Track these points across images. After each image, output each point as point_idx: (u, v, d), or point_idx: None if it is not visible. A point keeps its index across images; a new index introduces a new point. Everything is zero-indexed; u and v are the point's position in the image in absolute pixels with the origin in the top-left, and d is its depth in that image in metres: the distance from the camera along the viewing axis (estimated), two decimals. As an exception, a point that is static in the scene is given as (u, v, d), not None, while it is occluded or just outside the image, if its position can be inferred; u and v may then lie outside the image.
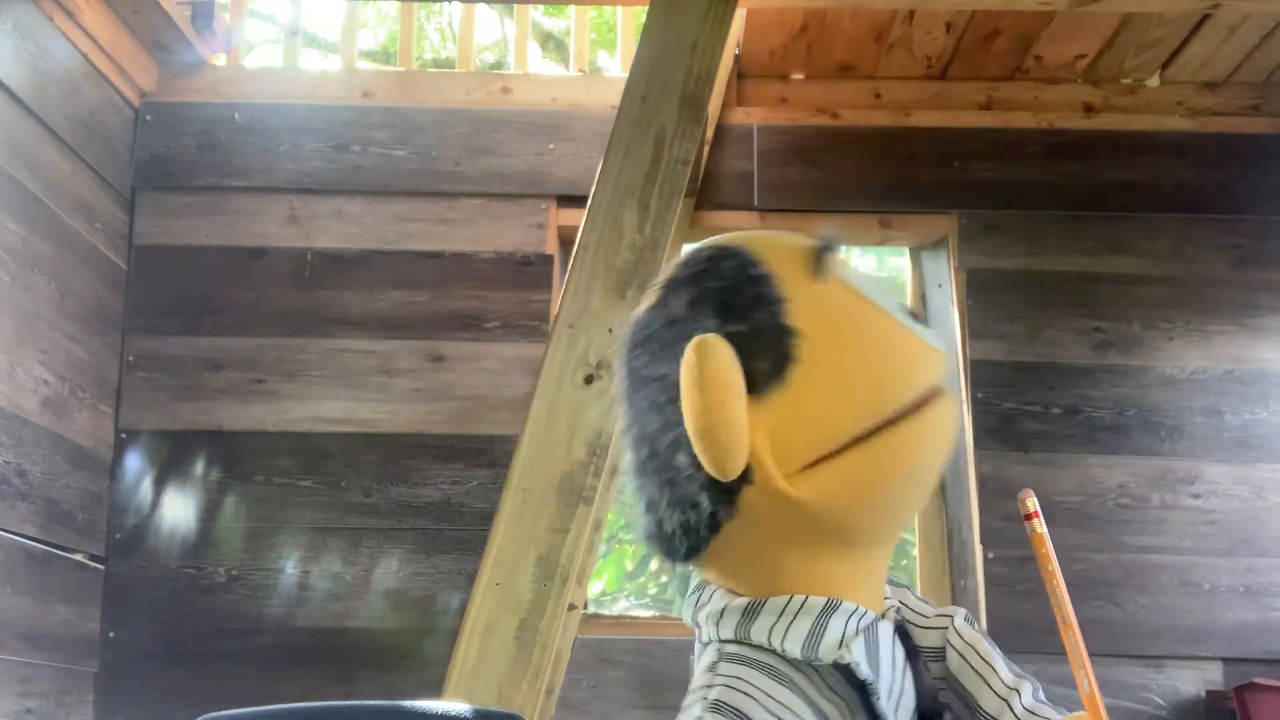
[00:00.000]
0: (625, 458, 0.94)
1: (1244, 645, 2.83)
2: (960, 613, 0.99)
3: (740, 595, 0.90)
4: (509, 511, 2.04)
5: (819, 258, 0.89)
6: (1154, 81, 3.12)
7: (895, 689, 0.89)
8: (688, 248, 0.95)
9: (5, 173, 2.44)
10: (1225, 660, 2.83)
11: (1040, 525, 0.92)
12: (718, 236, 0.95)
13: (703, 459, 0.83)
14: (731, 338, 0.84)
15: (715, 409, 0.82)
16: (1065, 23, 2.86)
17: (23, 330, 2.47)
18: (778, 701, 0.85)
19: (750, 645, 0.88)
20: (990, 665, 0.94)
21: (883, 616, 0.91)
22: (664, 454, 0.87)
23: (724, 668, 0.88)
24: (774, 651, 0.87)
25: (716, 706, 0.85)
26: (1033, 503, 0.91)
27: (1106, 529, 2.88)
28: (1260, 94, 3.12)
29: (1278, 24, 2.83)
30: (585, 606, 2.43)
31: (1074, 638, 0.88)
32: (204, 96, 3.05)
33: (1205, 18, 2.81)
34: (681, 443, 0.85)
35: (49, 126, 2.58)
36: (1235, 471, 2.92)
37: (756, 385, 0.84)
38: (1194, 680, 2.82)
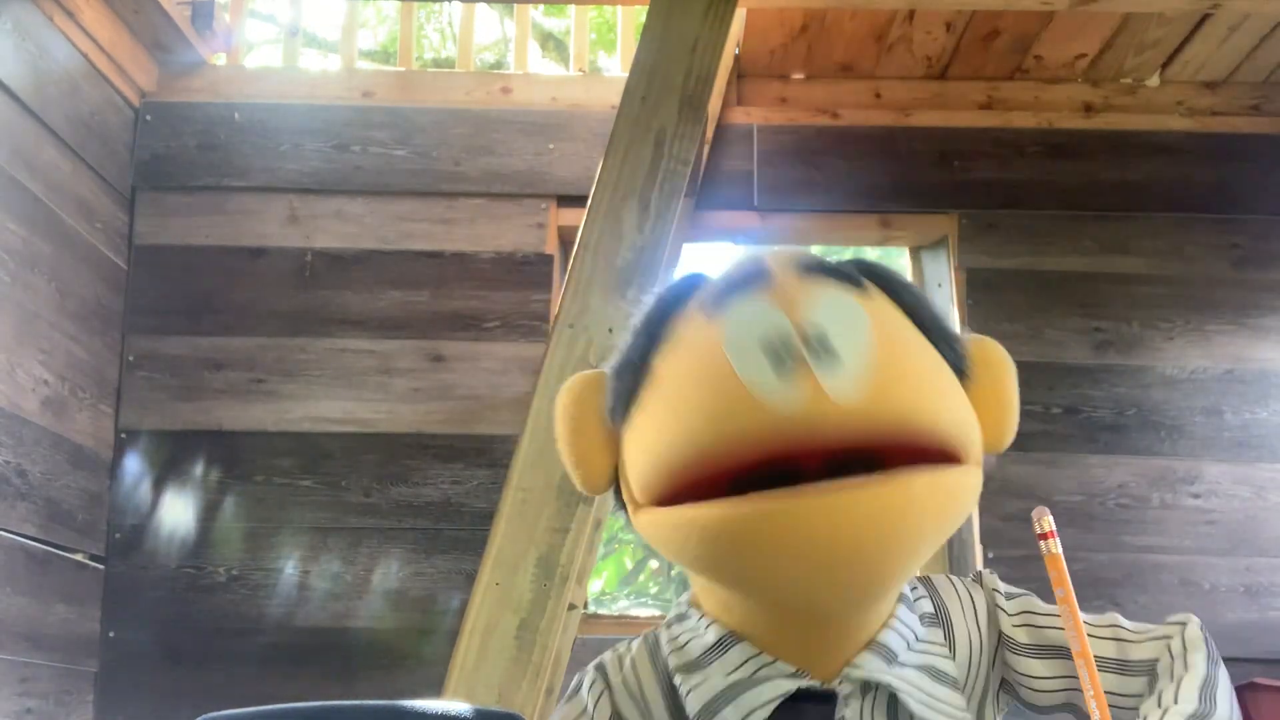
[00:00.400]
0: None
1: (1244, 645, 2.83)
2: (1195, 621, 0.97)
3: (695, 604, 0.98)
4: (509, 511, 2.04)
5: (721, 295, 0.86)
6: (1154, 81, 3.11)
7: None
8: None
9: (5, 173, 2.43)
10: (1225, 660, 2.82)
11: (1055, 546, 0.88)
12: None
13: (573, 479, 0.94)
14: (615, 367, 0.92)
15: (560, 439, 0.93)
16: (1065, 23, 2.86)
17: (23, 330, 2.47)
18: (638, 680, 0.95)
19: (664, 640, 0.97)
20: (1186, 674, 0.91)
21: (836, 684, 0.88)
22: None
23: (636, 642, 1.00)
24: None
25: (598, 663, 0.99)
26: (1048, 522, 0.88)
27: (1106, 529, 2.88)
28: (1260, 94, 3.12)
29: (1278, 24, 2.83)
30: (585, 606, 2.42)
31: (1088, 666, 0.85)
32: (204, 96, 3.05)
33: (1205, 18, 2.81)
34: None
35: (49, 126, 2.58)
36: (1235, 471, 2.91)
37: (613, 414, 0.91)
38: (1194, 680, 2.82)
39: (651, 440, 0.85)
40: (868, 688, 0.89)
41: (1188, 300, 3.00)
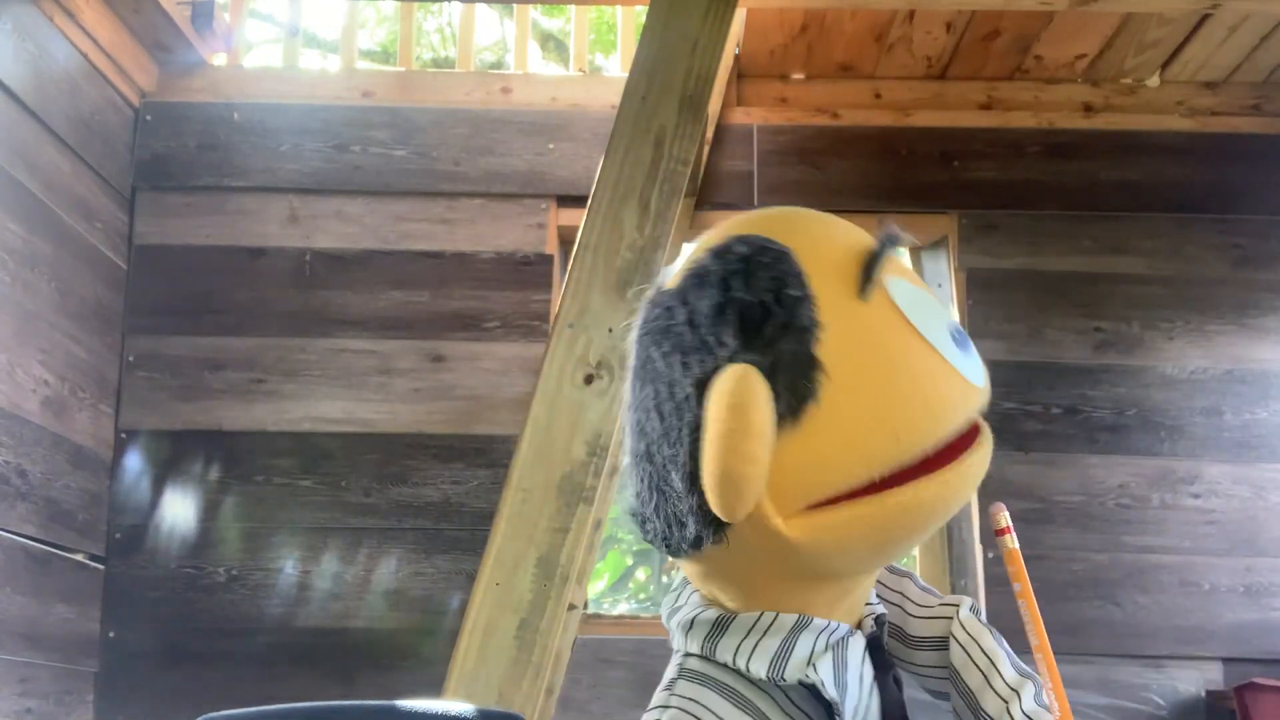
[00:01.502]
0: (624, 435, 0.89)
1: (1244, 645, 2.83)
2: (966, 602, 0.96)
3: (713, 606, 0.88)
4: (509, 511, 2.04)
5: (869, 270, 0.81)
6: (1154, 81, 3.11)
7: (861, 708, 0.86)
8: (725, 225, 0.87)
9: (5, 173, 2.43)
10: (1225, 660, 2.83)
11: (1013, 541, 0.89)
12: (762, 215, 0.88)
13: (711, 498, 0.78)
14: (775, 360, 0.78)
15: (745, 460, 0.76)
16: (1065, 23, 2.86)
17: (23, 330, 2.47)
18: (719, 717, 0.84)
19: (714, 663, 0.86)
20: (993, 662, 0.91)
21: (859, 627, 0.89)
22: (660, 463, 0.83)
23: (681, 686, 0.87)
24: (737, 671, 0.85)
25: None
26: (1004, 518, 0.89)
27: (1106, 529, 2.88)
28: (1260, 94, 3.12)
29: (1278, 24, 2.83)
30: (585, 606, 2.43)
31: (1046, 659, 0.85)
32: (204, 96, 3.05)
33: (1205, 18, 2.81)
34: (680, 462, 0.80)
35: (49, 126, 2.58)
36: (1235, 471, 2.91)
37: (787, 416, 0.78)
38: (1194, 680, 2.82)
39: (862, 437, 0.79)
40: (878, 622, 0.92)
41: (1188, 300, 3.00)
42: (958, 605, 0.95)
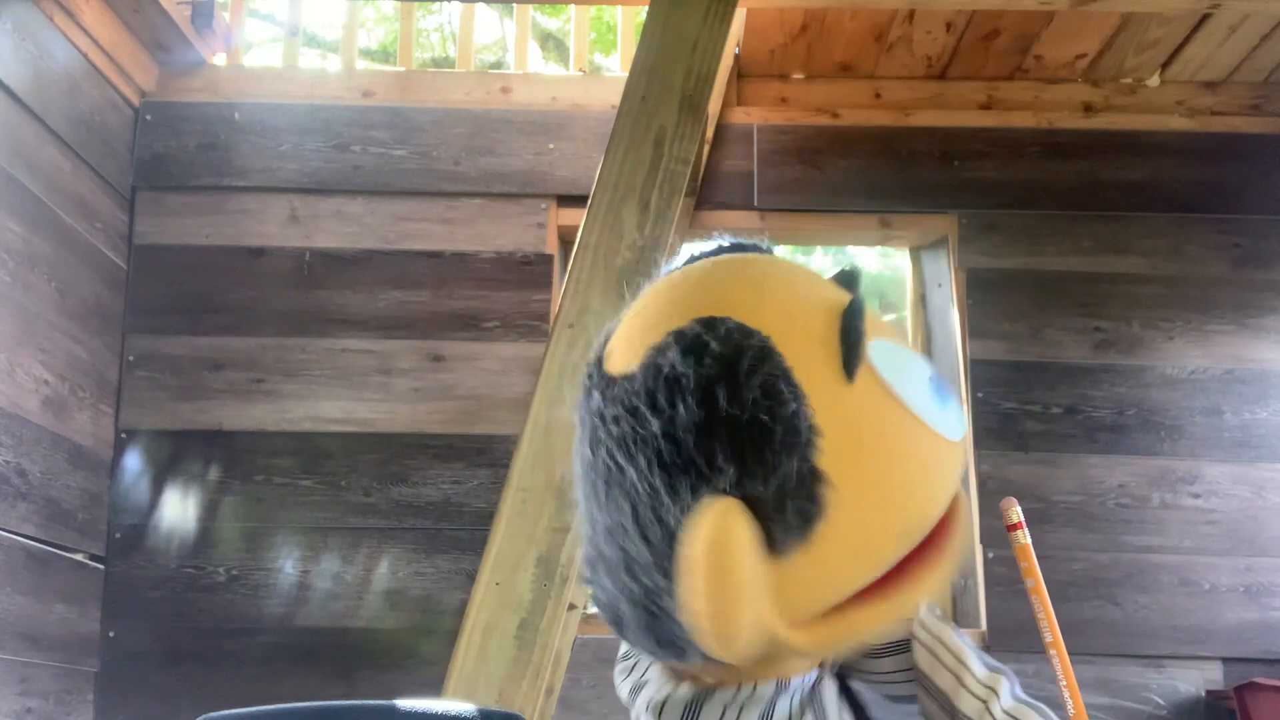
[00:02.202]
0: (583, 523, 0.81)
1: (1244, 645, 2.83)
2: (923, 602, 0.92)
3: (680, 680, 0.82)
4: (509, 511, 2.04)
5: (851, 345, 0.73)
6: (1154, 81, 3.11)
7: None
8: (676, 289, 0.77)
9: (5, 173, 2.43)
10: (1225, 660, 2.83)
11: (1024, 536, 0.87)
12: (718, 280, 0.77)
13: (698, 640, 0.72)
14: (751, 498, 0.69)
15: (728, 609, 0.70)
16: (1065, 23, 2.86)
17: (23, 330, 2.47)
18: None
19: None
20: (962, 661, 0.87)
21: (822, 665, 0.86)
22: (648, 585, 0.75)
23: None
24: None
25: None
26: (1016, 513, 0.87)
27: (1106, 529, 2.88)
28: (1260, 94, 3.12)
29: (1278, 24, 2.83)
30: (585, 606, 2.42)
31: (1060, 656, 0.85)
32: (204, 96, 3.05)
33: (1205, 18, 2.81)
34: (667, 595, 0.73)
35: (49, 126, 2.58)
36: (1235, 471, 2.91)
37: (775, 546, 0.70)
38: (1194, 680, 2.82)
39: (870, 541, 0.73)
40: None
41: (1188, 300, 3.00)
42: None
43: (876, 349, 0.74)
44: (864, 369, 0.72)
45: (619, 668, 0.88)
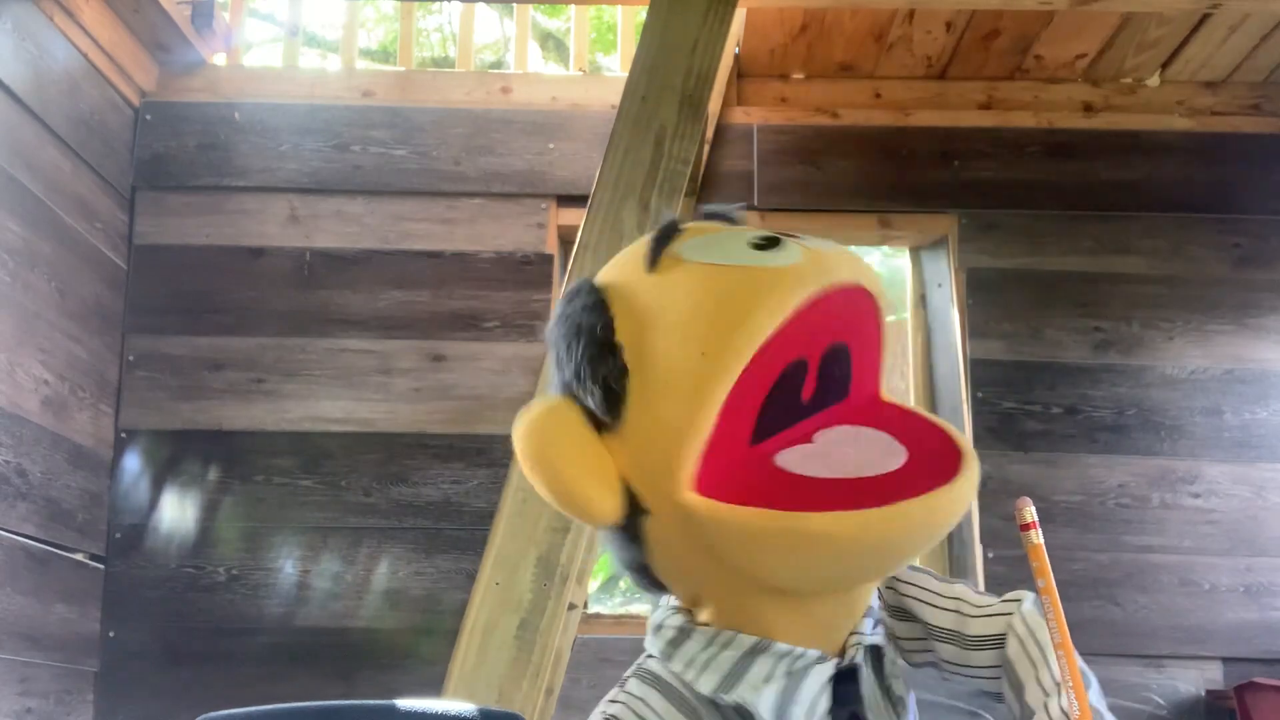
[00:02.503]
0: None
1: (1244, 645, 2.83)
2: (1029, 597, 0.95)
3: (685, 614, 0.90)
4: (509, 511, 2.04)
5: (653, 248, 0.86)
6: (1154, 81, 3.11)
7: None
8: None
9: (5, 173, 2.43)
10: (1225, 660, 2.83)
11: (1037, 536, 0.87)
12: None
13: (566, 513, 0.85)
14: (567, 386, 0.85)
15: (552, 481, 0.83)
16: (1065, 22, 2.86)
17: (23, 330, 2.47)
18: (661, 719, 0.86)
19: (669, 669, 0.89)
20: (1045, 656, 0.90)
21: (841, 656, 0.87)
22: None
23: (632, 685, 0.91)
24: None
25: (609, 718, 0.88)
26: (1030, 513, 0.87)
27: (1106, 529, 2.88)
28: (1260, 94, 3.12)
29: (1278, 24, 2.83)
30: (585, 606, 2.42)
31: (1068, 659, 0.84)
32: (204, 96, 3.05)
33: (1205, 17, 2.81)
34: None
35: (49, 126, 2.58)
36: (1235, 471, 2.91)
37: (603, 417, 0.83)
38: (1194, 680, 2.82)
39: (686, 392, 0.79)
40: (867, 651, 0.90)
41: (1188, 300, 3.00)
42: (1020, 600, 0.96)
43: (689, 244, 0.86)
44: (669, 260, 0.85)
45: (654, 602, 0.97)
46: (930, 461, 0.80)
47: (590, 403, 0.83)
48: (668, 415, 0.80)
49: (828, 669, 0.86)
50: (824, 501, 0.77)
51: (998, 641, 0.95)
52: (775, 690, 0.84)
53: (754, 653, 0.85)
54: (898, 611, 1.01)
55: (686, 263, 0.84)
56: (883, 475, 0.78)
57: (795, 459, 0.80)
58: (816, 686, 0.86)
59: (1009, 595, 0.97)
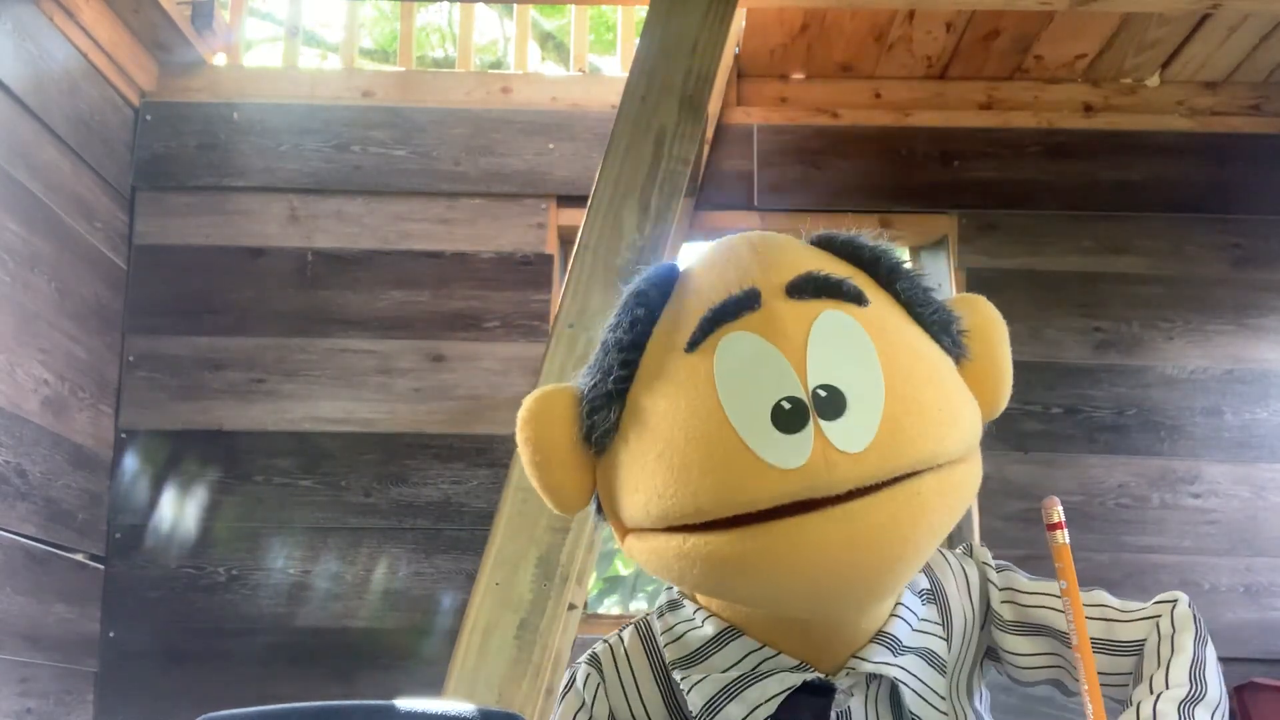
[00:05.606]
0: None
1: (1244, 645, 2.83)
2: (1185, 599, 0.94)
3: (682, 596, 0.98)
4: (509, 511, 2.04)
5: (700, 327, 0.82)
6: (1154, 81, 3.12)
7: None
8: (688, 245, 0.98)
9: (5, 173, 2.43)
10: (1225, 660, 2.82)
11: (1063, 536, 0.85)
12: (718, 242, 0.92)
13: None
14: (587, 390, 0.87)
15: (528, 464, 0.87)
16: (1065, 23, 2.86)
17: (23, 330, 2.47)
18: (633, 672, 0.95)
19: (666, 631, 0.95)
20: (1175, 658, 0.88)
21: (830, 678, 0.87)
22: None
23: (629, 634, 0.99)
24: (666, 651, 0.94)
25: (591, 656, 0.98)
26: (1058, 513, 0.86)
27: (1106, 529, 2.88)
28: (1260, 94, 3.12)
29: (1278, 24, 2.83)
30: (585, 606, 2.43)
31: (1085, 660, 0.83)
32: (204, 96, 3.05)
33: (1205, 18, 2.81)
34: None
35: (49, 126, 2.58)
36: (1235, 471, 2.91)
37: (593, 443, 0.86)
38: (1194, 680, 2.82)
39: (643, 484, 0.80)
40: (872, 679, 0.88)
41: (1188, 300, 3.00)
42: (1175, 601, 0.95)
43: (733, 345, 0.80)
44: (704, 356, 0.81)
45: None
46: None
47: (593, 422, 0.86)
48: (622, 491, 0.84)
49: (792, 678, 0.86)
50: (704, 529, 0.78)
51: (1036, 630, 0.95)
52: (720, 681, 0.87)
53: (721, 640, 0.88)
54: (1019, 626, 0.96)
55: (712, 377, 0.80)
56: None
57: None
58: (772, 689, 0.86)
59: (1162, 597, 0.95)
